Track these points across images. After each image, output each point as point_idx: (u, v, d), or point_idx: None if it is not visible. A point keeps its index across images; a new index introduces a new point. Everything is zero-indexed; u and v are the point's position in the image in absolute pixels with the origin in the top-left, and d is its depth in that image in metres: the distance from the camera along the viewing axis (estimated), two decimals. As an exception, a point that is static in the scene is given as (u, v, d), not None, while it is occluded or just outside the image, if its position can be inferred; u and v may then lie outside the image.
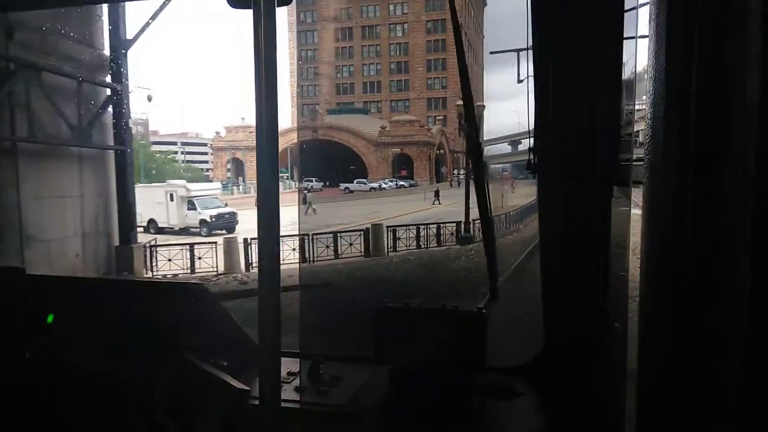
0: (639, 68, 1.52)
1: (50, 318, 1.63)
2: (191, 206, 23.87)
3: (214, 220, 22.53)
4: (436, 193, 32.43)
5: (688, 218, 0.89)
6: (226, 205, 24.76)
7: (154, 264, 14.10)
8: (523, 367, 1.88)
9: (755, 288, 0.83)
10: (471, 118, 2.07)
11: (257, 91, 0.91)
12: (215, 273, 13.69)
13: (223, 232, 20.33)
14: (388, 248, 16.45)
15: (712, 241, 0.87)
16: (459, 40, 2.11)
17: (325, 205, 27.12)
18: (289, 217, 22.35)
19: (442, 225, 18.29)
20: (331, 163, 47.74)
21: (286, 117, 68.22)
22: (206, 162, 66.09)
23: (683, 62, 0.88)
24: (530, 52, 1.74)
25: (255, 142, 0.96)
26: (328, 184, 44.23)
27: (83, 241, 11.80)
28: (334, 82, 66.87)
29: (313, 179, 43.37)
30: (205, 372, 1.41)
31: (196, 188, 25.71)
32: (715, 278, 0.87)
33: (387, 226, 17.26)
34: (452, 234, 17.95)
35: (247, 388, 1.38)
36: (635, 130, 1.78)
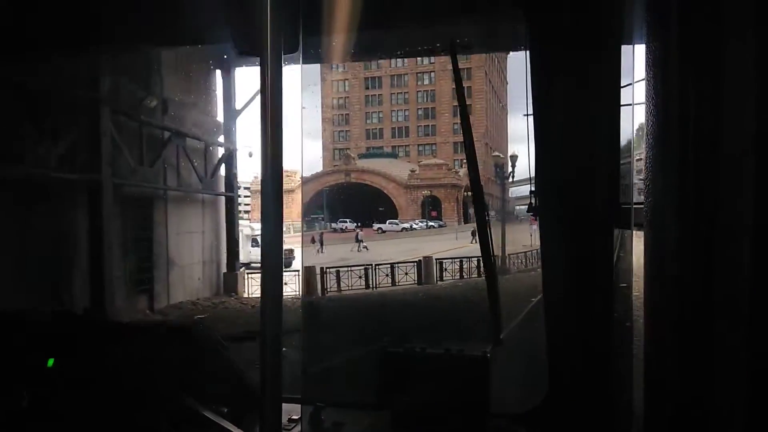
0: (638, 104, 1.49)
1: (50, 362, 1.63)
2: (255, 244, 27.09)
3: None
4: (473, 233, 34.96)
5: (689, 261, 0.88)
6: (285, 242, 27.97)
7: (248, 287, 17.29)
8: (528, 414, 1.84)
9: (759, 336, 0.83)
10: (472, 161, 2.09)
11: (263, 134, 0.93)
12: (297, 295, 16.65)
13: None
14: (437, 278, 19.38)
15: (714, 287, 0.85)
16: (461, 93, 2.31)
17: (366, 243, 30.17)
18: (338, 253, 25.57)
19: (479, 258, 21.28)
20: (362, 205, 50.78)
21: (319, 162, 72.19)
22: (247, 204, 69.97)
23: (680, 106, 0.90)
24: (530, 96, 1.79)
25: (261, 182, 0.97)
26: (360, 224, 47.28)
27: (203, 267, 14.97)
28: (363, 127, 71.22)
29: (347, 220, 46.59)
30: (205, 418, 1.38)
31: (258, 228, 28.75)
32: (717, 330, 0.86)
33: (435, 259, 20.21)
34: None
35: None
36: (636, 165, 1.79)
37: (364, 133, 69.11)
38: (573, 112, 1.69)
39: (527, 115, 1.80)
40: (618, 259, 1.74)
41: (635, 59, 1.52)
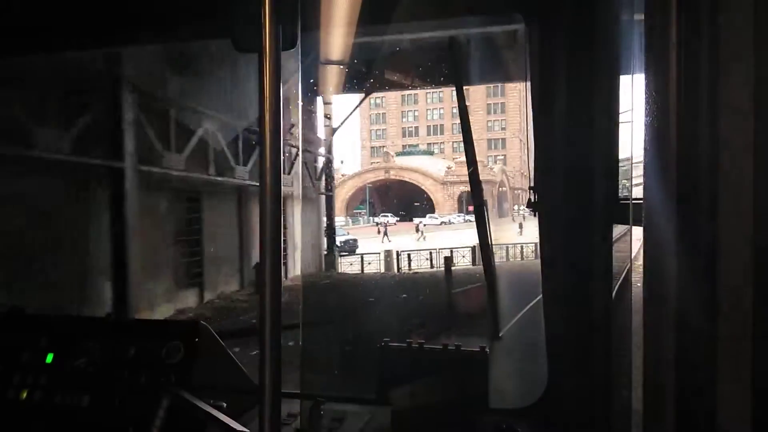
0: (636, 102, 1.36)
1: (49, 357, 1.67)
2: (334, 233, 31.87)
3: (342, 244, 30.61)
4: (520, 225, 35.75)
5: (688, 258, 0.88)
6: (348, 233, 32.56)
7: (340, 265, 21.28)
8: (527, 409, 1.84)
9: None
10: (472, 160, 2.17)
11: (261, 128, 0.95)
12: (380, 273, 21.25)
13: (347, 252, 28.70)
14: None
15: (714, 284, 0.85)
16: (461, 92, 2.38)
17: (414, 235, 34.88)
18: (400, 242, 30.32)
19: (524, 245, 25.04)
20: (401, 200, 50.90)
21: (358, 160, 76.19)
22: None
23: (678, 100, 0.88)
24: (529, 95, 1.82)
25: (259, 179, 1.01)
26: (399, 219, 51.70)
27: (311, 249, 19.86)
28: (400, 126, 75.40)
29: (389, 215, 49.99)
30: (204, 413, 1.40)
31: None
32: (717, 326, 0.85)
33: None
34: (533, 251, 25.25)
35: (246, 430, 1.35)
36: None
37: (401, 131, 73.28)
38: (572, 108, 1.70)
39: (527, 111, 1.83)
40: (616, 253, 1.71)
41: (635, 57, 1.42)
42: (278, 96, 0.96)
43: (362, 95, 21.09)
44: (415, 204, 51.73)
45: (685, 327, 0.91)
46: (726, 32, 0.85)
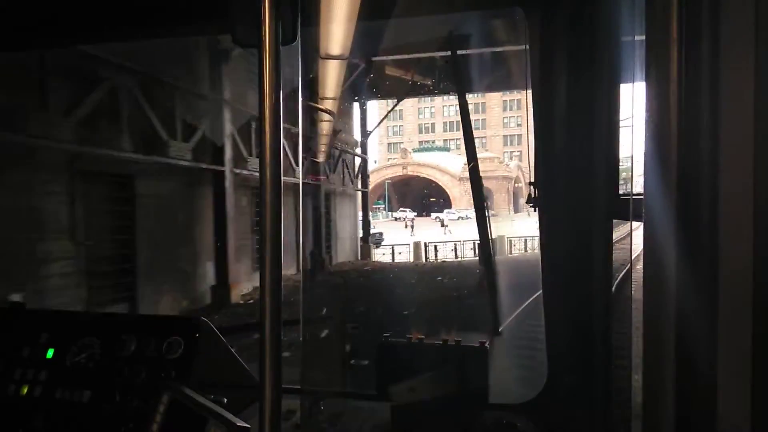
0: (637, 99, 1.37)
1: (50, 353, 1.68)
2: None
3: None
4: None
5: (689, 255, 0.88)
6: (374, 227, 35.68)
7: (373, 254, 23.39)
8: (526, 404, 1.84)
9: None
10: (472, 157, 2.21)
11: (260, 124, 0.95)
12: (411, 262, 23.32)
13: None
14: (507, 251, 26.24)
15: (714, 280, 0.85)
16: (461, 90, 2.52)
17: (435, 230, 37.22)
18: (427, 234, 32.47)
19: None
20: (419, 196, 51.83)
21: (378, 156, 77.61)
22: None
23: (679, 97, 0.88)
24: (530, 89, 1.82)
25: (259, 175, 0.97)
26: (416, 214, 53.49)
27: (349, 240, 22.38)
28: (416, 122, 76.97)
29: (407, 209, 49.39)
30: (204, 408, 1.40)
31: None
32: (718, 324, 0.85)
33: (507, 237, 27.21)
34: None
35: (247, 426, 1.35)
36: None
37: (417, 127, 74.90)
38: (572, 103, 1.71)
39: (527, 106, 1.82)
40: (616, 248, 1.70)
41: (636, 55, 1.43)
42: (278, 91, 0.96)
43: (395, 100, 23.64)
44: (432, 199, 52.70)
45: (685, 323, 0.90)
46: (727, 31, 0.84)
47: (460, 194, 59.51)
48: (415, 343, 1.76)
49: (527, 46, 1.80)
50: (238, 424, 1.34)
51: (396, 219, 46.50)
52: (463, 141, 2.38)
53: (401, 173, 59.41)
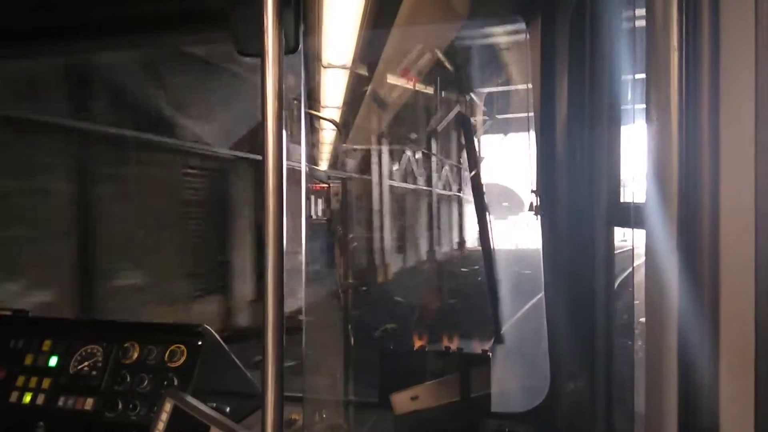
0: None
1: (53, 361, 1.71)
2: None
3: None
4: None
5: (689, 260, 0.89)
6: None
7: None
8: (529, 412, 1.84)
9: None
10: (473, 161, 2.21)
11: (263, 132, 0.96)
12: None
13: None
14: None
15: (715, 287, 0.87)
16: (463, 95, 2.65)
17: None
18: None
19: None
20: None
21: None
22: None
23: (679, 103, 0.90)
24: (531, 96, 1.83)
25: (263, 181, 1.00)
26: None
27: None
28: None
29: None
30: (207, 416, 1.41)
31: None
32: (720, 328, 0.86)
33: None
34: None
35: None
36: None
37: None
38: (574, 111, 1.73)
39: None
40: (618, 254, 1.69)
41: (636, 60, 1.47)
42: (281, 100, 0.96)
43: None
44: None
45: (687, 330, 0.91)
46: (727, 34, 0.86)
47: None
48: (418, 352, 1.78)
49: (529, 57, 1.83)
50: None
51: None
52: (465, 150, 2.42)
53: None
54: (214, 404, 1.48)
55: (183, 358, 1.64)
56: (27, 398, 1.67)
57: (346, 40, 2.96)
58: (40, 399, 1.66)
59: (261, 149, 0.98)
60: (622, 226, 1.68)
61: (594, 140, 1.72)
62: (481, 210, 2.16)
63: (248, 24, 1.01)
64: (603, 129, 1.70)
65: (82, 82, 6.74)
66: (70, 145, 6.88)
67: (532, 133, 1.91)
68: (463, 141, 3.45)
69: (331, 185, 12.79)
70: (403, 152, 14.97)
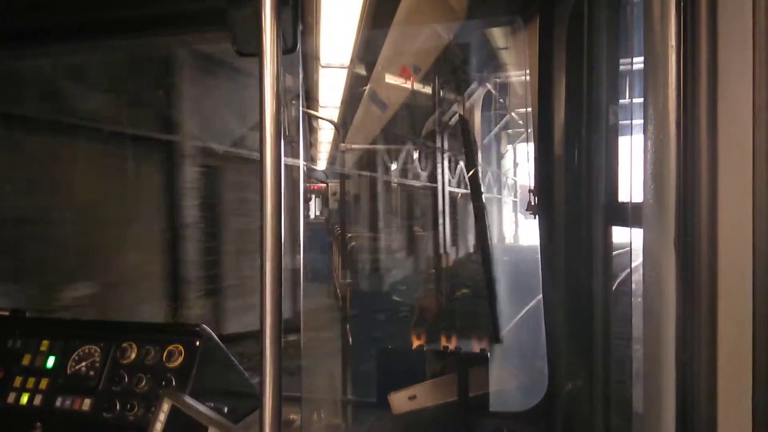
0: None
1: (50, 361, 1.72)
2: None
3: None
4: None
5: (687, 260, 0.89)
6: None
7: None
8: (527, 412, 1.85)
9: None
10: (472, 162, 2.20)
11: (261, 132, 0.96)
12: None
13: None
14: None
15: (713, 285, 0.87)
16: (462, 95, 2.44)
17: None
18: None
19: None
20: None
21: None
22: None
23: (678, 101, 0.91)
24: (529, 96, 1.84)
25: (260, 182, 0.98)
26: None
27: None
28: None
29: None
30: (205, 416, 1.41)
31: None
32: (718, 327, 0.87)
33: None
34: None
35: None
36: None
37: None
38: (572, 111, 1.74)
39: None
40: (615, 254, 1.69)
41: (633, 56, 1.47)
42: (279, 100, 0.96)
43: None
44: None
45: (685, 329, 0.91)
46: (724, 32, 0.86)
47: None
48: (416, 351, 1.79)
49: (527, 56, 1.83)
50: None
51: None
52: (464, 150, 2.39)
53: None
54: (212, 404, 1.49)
55: (181, 358, 1.64)
56: (24, 399, 1.67)
57: (346, 39, 3.00)
58: (38, 399, 1.67)
59: (259, 149, 0.98)
60: (620, 225, 1.69)
61: (592, 139, 1.72)
62: (480, 209, 2.16)
63: (246, 23, 1.01)
64: (601, 128, 1.70)
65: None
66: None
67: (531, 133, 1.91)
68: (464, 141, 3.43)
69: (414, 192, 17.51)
70: (458, 163, 17.24)
